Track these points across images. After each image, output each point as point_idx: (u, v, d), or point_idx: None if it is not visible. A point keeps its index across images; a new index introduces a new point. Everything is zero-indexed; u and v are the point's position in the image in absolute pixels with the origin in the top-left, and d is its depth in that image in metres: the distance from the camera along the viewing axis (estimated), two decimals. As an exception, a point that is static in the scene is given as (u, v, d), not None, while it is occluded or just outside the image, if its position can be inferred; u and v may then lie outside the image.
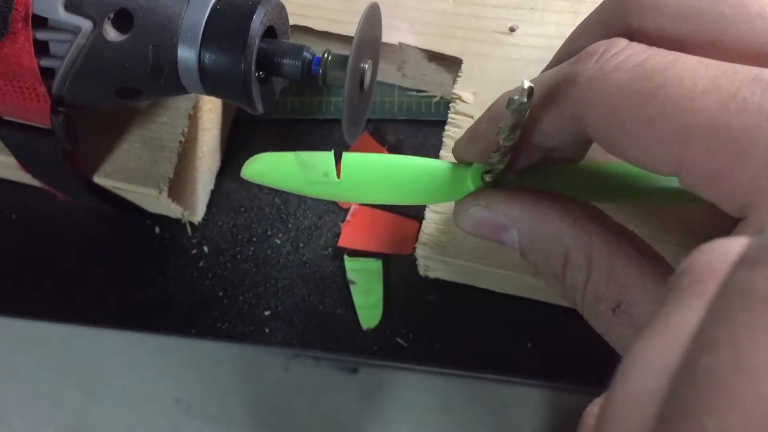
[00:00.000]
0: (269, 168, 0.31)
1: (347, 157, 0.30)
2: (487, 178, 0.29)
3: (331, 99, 0.44)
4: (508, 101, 0.23)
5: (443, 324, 0.41)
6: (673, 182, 0.29)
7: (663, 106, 0.22)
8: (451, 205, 0.35)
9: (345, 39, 0.39)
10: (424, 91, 0.43)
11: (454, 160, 0.32)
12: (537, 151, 0.28)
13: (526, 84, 0.23)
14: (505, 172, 0.28)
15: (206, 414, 1.38)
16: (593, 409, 0.21)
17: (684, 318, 0.16)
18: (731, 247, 0.17)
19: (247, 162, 0.31)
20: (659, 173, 0.24)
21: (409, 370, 1.31)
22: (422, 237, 0.36)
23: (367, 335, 0.41)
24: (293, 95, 0.44)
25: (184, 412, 1.38)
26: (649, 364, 0.16)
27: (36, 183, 0.43)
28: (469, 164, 0.30)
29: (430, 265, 0.38)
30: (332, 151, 0.30)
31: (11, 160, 0.38)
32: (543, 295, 0.39)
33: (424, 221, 0.36)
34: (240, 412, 1.38)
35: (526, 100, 0.23)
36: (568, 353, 0.40)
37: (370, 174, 0.30)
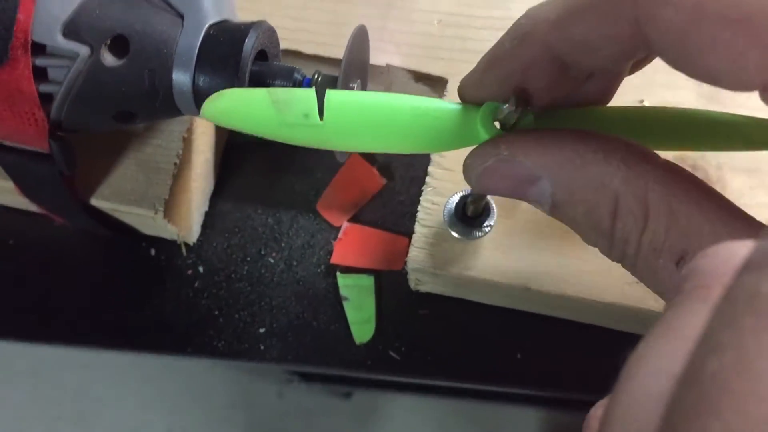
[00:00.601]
0: (236, 106, 0.27)
1: (332, 94, 0.26)
2: (502, 121, 0.25)
3: (321, 120, 0.45)
4: (498, 111, 0.24)
5: (435, 337, 0.42)
6: (736, 118, 0.26)
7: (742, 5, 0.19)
8: (439, 217, 0.36)
9: (334, 62, 0.40)
10: (412, 111, 0.44)
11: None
12: (570, 81, 0.24)
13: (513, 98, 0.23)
14: (522, 114, 0.24)
15: (200, 442, 1.37)
16: (597, 411, 0.21)
17: (689, 321, 0.16)
18: (736, 251, 0.17)
19: (208, 99, 0.27)
20: (743, 87, 0.20)
21: (403, 394, 1.31)
22: (412, 250, 0.37)
23: (360, 350, 0.42)
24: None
25: (176, 440, 1.37)
26: (654, 367, 0.16)
27: (33, 208, 0.44)
28: (478, 106, 0.25)
29: (420, 278, 0.39)
30: (313, 88, 0.26)
31: (9, 185, 0.39)
32: (530, 306, 0.40)
33: (414, 235, 0.37)
34: (235, 438, 1.37)
35: (515, 108, 0.23)
36: (558, 363, 0.41)
37: (359, 116, 0.26)
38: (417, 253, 0.37)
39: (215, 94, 0.27)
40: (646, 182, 0.22)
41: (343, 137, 0.26)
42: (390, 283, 0.43)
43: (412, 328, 0.42)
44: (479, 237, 0.36)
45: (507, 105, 0.24)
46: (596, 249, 0.35)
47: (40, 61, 0.33)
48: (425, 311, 0.42)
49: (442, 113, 0.25)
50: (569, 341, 0.41)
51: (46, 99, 0.34)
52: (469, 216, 0.35)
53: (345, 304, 0.42)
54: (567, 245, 0.36)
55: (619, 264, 0.24)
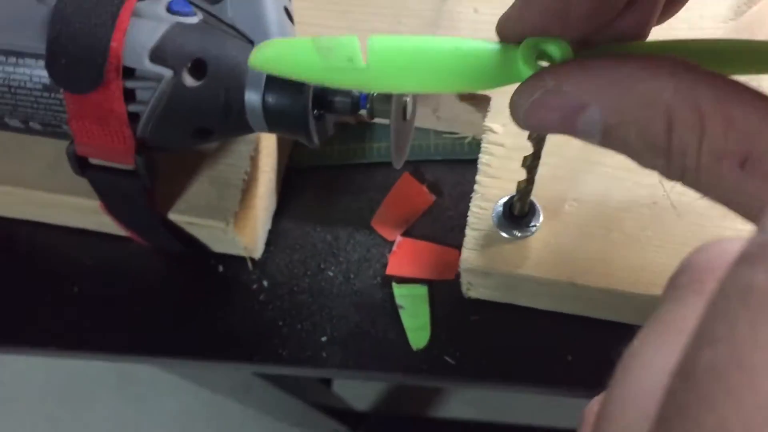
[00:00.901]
0: (281, 54, 0.27)
1: (374, 39, 0.26)
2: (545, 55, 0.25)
3: (374, 144, 0.49)
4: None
5: (487, 342, 0.44)
6: None
7: None
8: (488, 220, 0.39)
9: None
10: (457, 133, 0.48)
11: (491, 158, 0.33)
12: (606, 9, 0.24)
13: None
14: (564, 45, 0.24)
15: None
16: (593, 406, 0.21)
17: (682, 315, 0.17)
18: (730, 246, 0.17)
19: (255, 48, 0.28)
20: None
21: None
22: (464, 252, 0.40)
23: (417, 355, 0.44)
24: (339, 143, 0.49)
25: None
26: (648, 361, 0.17)
27: (111, 230, 0.47)
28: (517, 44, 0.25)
29: (472, 280, 0.42)
30: (355, 35, 0.26)
31: (94, 204, 0.43)
32: (577, 308, 0.42)
33: (465, 238, 0.40)
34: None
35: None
36: (609, 365, 0.43)
37: (401, 57, 0.26)
38: (468, 255, 0.40)
39: (262, 43, 0.27)
40: (697, 91, 0.21)
41: (386, 79, 0.26)
42: (442, 292, 0.45)
43: (465, 333, 0.44)
44: (526, 236, 0.38)
45: (549, 39, 0.24)
46: (640, 243, 0.38)
47: (129, 84, 0.37)
48: (476, 317, 0.45)
49: (484, 53, 0.25)
50: (618, 343, 0.43)
51: (133, 118, 0.38)
52: (516, 215, 0.38)
53: (401, 312, 0.45)
54: (610, 242, 0.39)
55: (679, 183, 0.23)
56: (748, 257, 0.14)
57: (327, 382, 1.05)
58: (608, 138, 0.23)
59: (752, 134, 0.20)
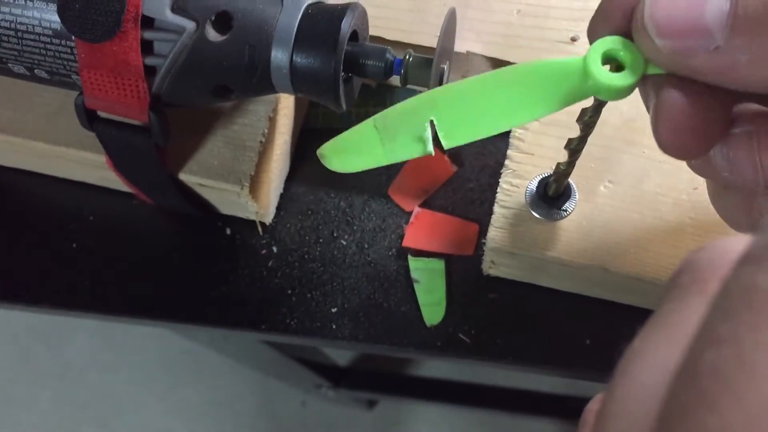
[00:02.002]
0: (346, 147, 0.28)
1: (435, 93, 0.26)
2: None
3: (395, 108, 0.46)
4: (582, 112, 0.26)
5: (504, 321, 0.43)
6: None
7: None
8: (521, 198, 0.37)
9: (415, 48, 0.41)
10: (484, 101, 0.46)
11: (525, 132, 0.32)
12: None
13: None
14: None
15: (222, 450, 1.37)
16: (594, 405, 0.21)
17: (685, 316, 0.17)
18: (732, 246, 0.17)
19: (325, 157, 0.29)
20: None
21: (427, 404, 1.31)
22: (491, 230, 0.38)
23: (430, 331, 0.43)
24: (357, 106, 0.47)
25: (200, 447, 1.38)
26: (650, 361, 0.17)
27: (114, 185, 0.45)
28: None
29: (496, 259, 0.40)
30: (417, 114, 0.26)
31: (101, 159, 0.40)
32: (602, 292, 0.41)
33: (493, 215, 0.38)
34: (257, 447, 1.38)
35: (596, 111, 0.25)
36: (625, 350, 0.42)
37: (467, 104, 0.26)
38: (496, 233, 0.38)
39: (325, 149, 0.28)
40: None
41: (459, 134, 0.26)
42: (460, 268, 0.44)
43: (482, 311, 0.43)
44: (559, 219, 0.37)
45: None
46: (677, 230, 0.36)
47: (148, 35, 0.34)
48: (495, 295, 0.43)
49: (547, 69, 0.25)
50: (638, 328, 0.42)
51: (149, 71, 0.35)
52: (550, 197, 0.36)
53: (416, 286, 0.43)
54: (645, 227, 0.37)
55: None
56: (750, 258, 0.14)
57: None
58: (736, 25, 0.21)
59: None
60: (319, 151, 0.28)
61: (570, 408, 1.12)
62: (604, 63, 0.24)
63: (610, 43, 0.24)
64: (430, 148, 0.26)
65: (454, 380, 1.19)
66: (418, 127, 0.26)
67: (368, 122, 0.27)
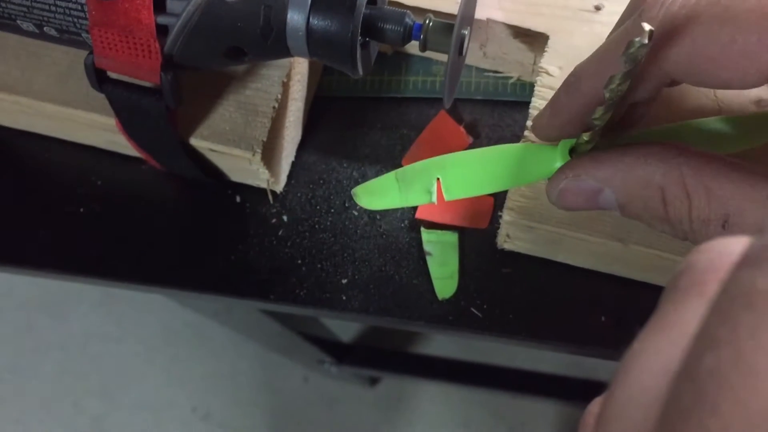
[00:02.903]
0: (374, 191, 0.34)
1: (444, 159, 0.33)
2: (574, 155, 0.30)
3: (410, 78, 0.45)
4: (629, 44, 0.24)
5: (517, 296, 0.42)
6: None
7: (737, 20, 0.23)
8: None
9: (433, 13, 0.40)
10: (501, 72, 0.44)
11: (544, 102, 0.35)
12: (618, 110, 0.29)
13: (647, 27, 0.24)
14: (591, 144, 0.30)
15: (224, 423, 1.39)
16: (594, 407, 0.21)
17: (684, 317, 0.17)
18: (731, 247, 0.17)
19: (357, 195, 0.34)
20: (752, 86, 0.24)
21: (429, 382, 1.30)
22: (509, 202, 0.37)
23: (442, 305, 0.42)
24: (372, 73, 0.46)
25: (201, 420, 1.39)
26: (650, 363, 0.17)
27: (123, 150, 0.44)
28: (555, 144, 0.31)
29: (511, 233, 0.39)
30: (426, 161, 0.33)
31: (110, 121, 0.39)
32: (619, 269, 0.40)
33: (510, 188, 0.38)
34: (258, 421, 1.39)
35: (647, 41, 0.24)
36: (641, 327, 0.41)
37: (466, 170, 0.33)
38: (513, 205, 0.37)
39: (360, 190, 0.34)
40: (681, 171, 0.26)
41: (456, 192, 0.33)
42: (473, 241, 0.43)
43: (495, 286, 0.42)
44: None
45: (585, 135, 0.29)
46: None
47: (160, -8, 0.33)
48: (508, 270, 0.42)
49: (528, 154, 0.32)
50: (655, 307, 0.41)
51: (161, 31, 0.34)
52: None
53: (428, 259, 0.42)
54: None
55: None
56: (750, 260, 0.14)
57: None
58: (624, 212, 0.29)
59: (727, 198, 0.25)
60: (353, 191, 0.34)
61: (571, 389, 1.12)
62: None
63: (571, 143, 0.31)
64: (435, 199, 0.33)
65: (457, 359, 1.19)
66: (428, 182, 0.33)
67: (391, 175, 0.34)
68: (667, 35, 0.25)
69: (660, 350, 0.17)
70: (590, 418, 0.20)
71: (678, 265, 0.18)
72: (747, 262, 0.14)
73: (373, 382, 1.33)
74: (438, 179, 0.33)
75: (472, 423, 1.30)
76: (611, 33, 0.32)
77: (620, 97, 0.28)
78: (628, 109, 0.29)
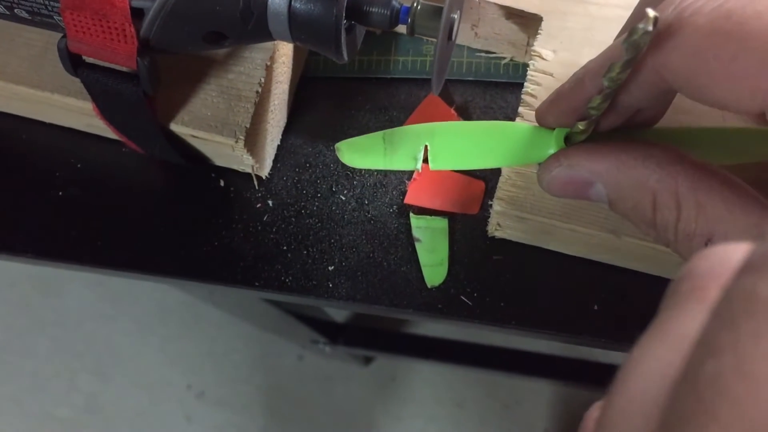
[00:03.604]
0: (358, 147, 0.34)
1: (434, 126, 0.32)
2: (569, 143, 0.30)
3: (399, 58, 0.44)
4: (631, 31, 0.23)
5: (508, 284, 0.41)
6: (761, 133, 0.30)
7: (743, 41, 0.22)
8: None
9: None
10: (494, 53, 0.43)
11: (537, 87, 0.35)
12: (620, 115, 0.28)
13: (652, 13, 0.23)
14: (586, 134, 0.29)
15: (218, 401, 1.39)
16: (593, 412, 0.21)
17: (685, 323, 0.16)
18: (732, 254, 0.17)
19: (340, 150, 0.34)
20: (746, 111, 0.24)
21: (423, 362, 1.30)
22: (499, 192, 0.36)
23: (431, 293, 0.41)
24: (361, 53, 0.44)
25: (196, 398, 1.39)
26: (650, 369, 0.16)
27: (102, 132, 0.43)
28: (552, 129, 0.31)
29: (502, 222, 0.38)
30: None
31: (87, 105, 0.38)
32: (611, 257, 0.39)
33: (501, 177, 0.36)
34: (252, 400, 1.39)
35: (651, 28, 0.23)
36: (634, 317, 0.40)
37: (458, 144, 0.32)
38: (504, 195, 0.36)
39: (342, 144, 0.34)
40: (677, 180, 0.26)
41: (443, 162, 0.32)
42: (464, 227, 0.42)
43: (486, 273, 0.41)
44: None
45: (581, 125, 0.28)
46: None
47: (135, -26, 0.32)
48: (499, 257, 0.41)
49: (524, 134, 0.31)
50: (650, 296, 0.40)
51: (137, 14, 0.33)
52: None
53: (417, 245, 0.42)
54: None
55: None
56: (751, 267, 0.14)
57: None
58: (613, 207, 0.29)
59: (716, 220, 0.25)
60: (337, 145, 0.34)
61: (566, 368, 1.12)
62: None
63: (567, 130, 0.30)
64: (419, 166, 0.32)
65: (451, 339, 1.19)
66: (415, 148, 0.32)
67: (379, 134, 0.33)
68: (669, 36, 0.24)
69: (660, 356, 0.16)
70: (590, 423, 0.20)
71: (679, 270, 0.18)
72: (748, 268, 0.14)
73: (368, 361, 1.32)
74: (426, 146, 0.32)
75: (466, 401, 1.30)
76: (618, 35, 0.31)
77: (618, 86, 0.27)
78: (630, 116, 0.29)
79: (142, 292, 1.36)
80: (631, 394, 0.16)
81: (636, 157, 0.27)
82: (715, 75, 0.23)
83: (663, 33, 0.24)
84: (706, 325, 0.14)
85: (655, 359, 0.16)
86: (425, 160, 0.32)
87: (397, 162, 0.33)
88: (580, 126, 0.29)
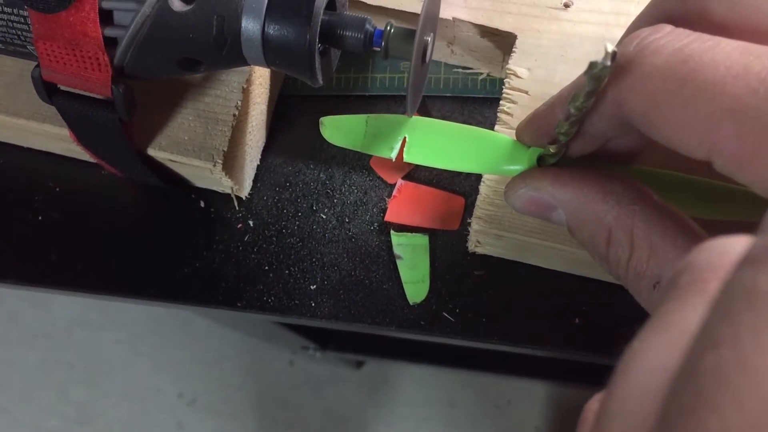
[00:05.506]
0: (340, 127, 0.35)
1: (415, 123, 0.33)
2: (542, 163, 0.30)
3: (377, 75, 0.44)
4: (590, 65, 0.23)
5: (490, 299, 0.41)
6: (743, 193, 0.29)
7: (696, 90, 0.22)
8: (506, 180, 0.35)
9: (396, 13, 0.39)
10: (471, 69, 0.43)
11: (513, 106, 0.36)
12: (587, 143, 0.28)
13: (610, 47, 0.23)
14: (557, 157, 0.30)
15: (210, 408, 1.38)
16: (593, 405, 0.21)
17: (685, 316, 0.17)
18: (732, 246, 0.17)
19: (323, 124, 0.35)
20: (694, 157, 0.23)
21: (414, 365, 1.30)
22: (477, 211, 0.36)
23: (414, 310, 0.41)
24: (338, 71, 0.44)
25: (188, 406, 1.38)
26: (650, 361, 0.16)
27: (80, 156, 0.43)
28: (528, 147, 0.31)
29: (481, 240, 0.38)
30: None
31: (63, 132, 0.38)
32: (591, 272, 0.39)
33: (479, 196, 0.37)
34: (244, 406, 1.39)
35: (609, 63, 0.23)
36: (617, 329, 0.40)
37: (435, 141, 0.33)
38: (481, 214, 0.36)
39: (330, 117, 0.35)
40: (633, 220, 0.26)
41: (418, 157, 0.33)
42: (445, 243, 0.42)
43: (467, 289, 0.41)
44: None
45: (551, 147, 0.29)
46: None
47: (106, 4, 0.32)
48: (481, 272, 0.41)
49: (502, 144, 0.32)
50: (630, 310, 0.40)
51: (110, 43, 0.33)
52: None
53: (398, 263, 0.42)
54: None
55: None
56: (751, 260, 0.14)
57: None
58: (571, 233, 0.29)
59: (666, 263, 0.25)
60: (321, 119, 0.35)
61: (556, 369, 1.12)
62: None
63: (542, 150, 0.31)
64: (394, 156, 0.33)
65: (441, 342, 1.19)
66: (394, 138, 0.33)
67: (363, 116, 0.34)
68: (627, 72, 0.24)
69: (660, 348, 0.17)
70: (589, 416, 0.20)
71: (677, 263, 0.18)
72: (748, 261, 0.14)
73: (359, 364, 1.32)
74: (405, 138, 0.33)
75: (457, 402, 1.30)
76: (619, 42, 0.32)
77: (583, 114, 0.27)
78: (601, 144, 0.29)
79: (130, 303, 1.36)
80: (631, 386, 0.16)
81: (597, 191, 0.27)
82: (668, 118, 0.23)
83: (623, 68, 0.24)
84: (706, 318, 0.14)
85: (655, 352, 0.17)
86: (401, 151, 0.33)
87: (375, 147, 0.34)
88: (551, 149, 0.29)
